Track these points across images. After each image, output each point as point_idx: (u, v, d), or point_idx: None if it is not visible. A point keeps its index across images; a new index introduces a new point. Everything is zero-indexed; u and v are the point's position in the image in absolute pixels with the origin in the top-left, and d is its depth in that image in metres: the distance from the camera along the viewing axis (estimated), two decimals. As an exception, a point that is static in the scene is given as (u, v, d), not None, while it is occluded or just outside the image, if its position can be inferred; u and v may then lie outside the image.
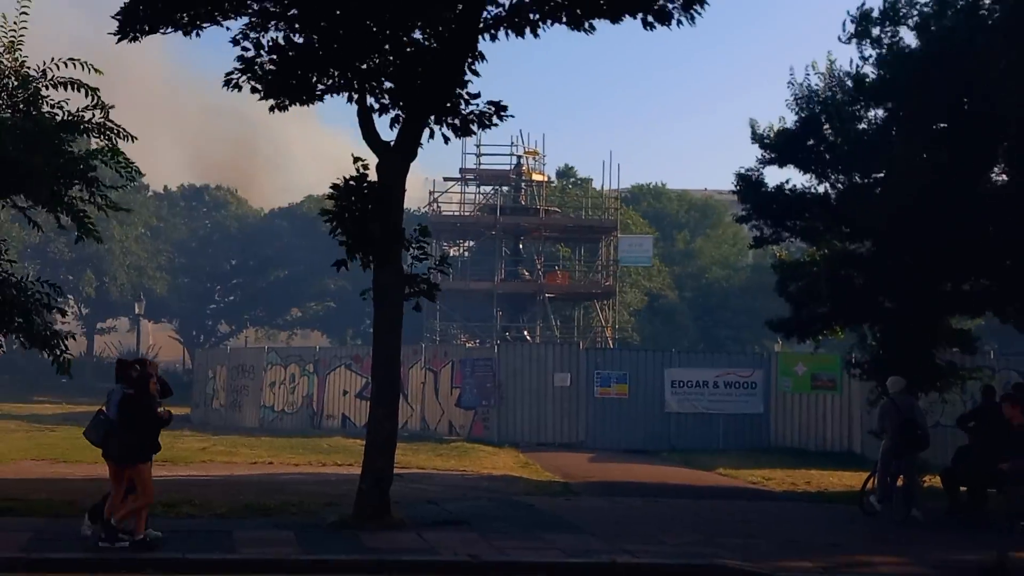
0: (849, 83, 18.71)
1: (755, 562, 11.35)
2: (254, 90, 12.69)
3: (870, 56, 18.43)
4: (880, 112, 18.56)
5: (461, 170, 44.95)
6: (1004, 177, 18.07)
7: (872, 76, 18.45)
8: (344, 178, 12.68)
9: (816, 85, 19.08)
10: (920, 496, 15.59)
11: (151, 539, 10.89)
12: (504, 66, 70.40)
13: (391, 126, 13.42)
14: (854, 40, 18.49)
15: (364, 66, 12.86)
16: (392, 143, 13.13)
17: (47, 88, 13.16)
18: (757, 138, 19.42)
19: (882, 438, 16.21)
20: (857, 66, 18.67)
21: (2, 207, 13.99)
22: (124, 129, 13.40)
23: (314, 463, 22.43)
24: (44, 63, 13.09)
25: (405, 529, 12.82)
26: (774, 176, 20.05)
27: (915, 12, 17.96)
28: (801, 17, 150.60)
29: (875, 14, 18.33)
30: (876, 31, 18.36)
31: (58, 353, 13.75)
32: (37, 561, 10.53)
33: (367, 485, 12.87)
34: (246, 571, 10.76)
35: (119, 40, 12.44)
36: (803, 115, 19.04)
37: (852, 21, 18.58)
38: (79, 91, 13.20)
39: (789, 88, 19.10)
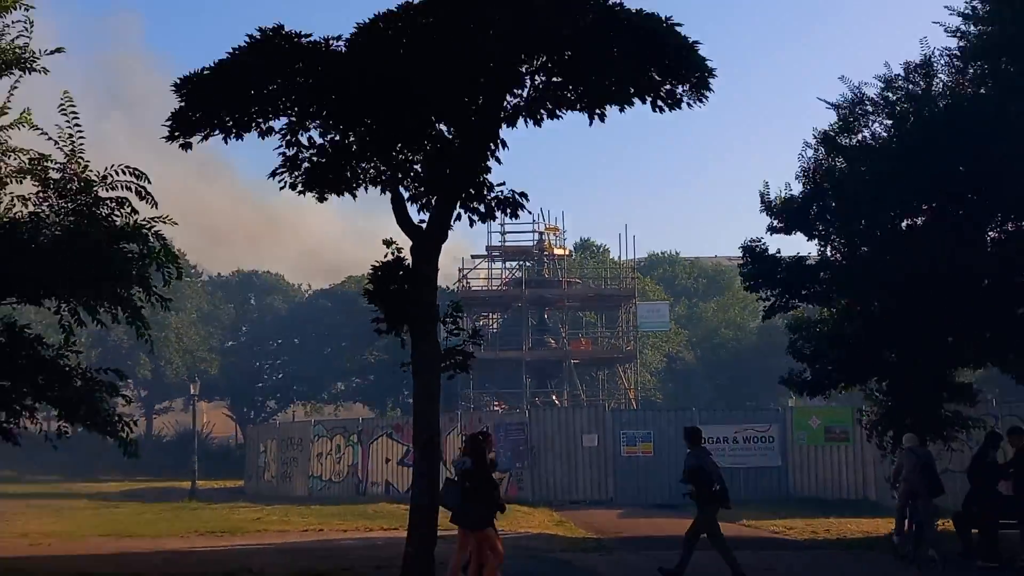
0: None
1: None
2: (293, 186, 12.28)
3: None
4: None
5: (488, 248, 45.11)
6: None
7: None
8: (381, 261, 12.14)
9: (821, 158, 18.40)
10: (935, 538, 14.52)
11: None
12: (525, 144, 71.07)
13: (420, 211, 12.76)
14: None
15: (396, 159, 12.39)
16: (424, 227, 12.59)
17: (106, 190, 12.80)
18: (766, 205, 18.73)
19: (897, 487, 15.38)
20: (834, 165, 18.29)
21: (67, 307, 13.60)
22: (169, 246, 13.00)
23: (361, 528, 21.69)
24: (104, 169, 12.66)
25: None
26: (781, 243, 19.71)
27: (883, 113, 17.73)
28: (811, 89, 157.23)
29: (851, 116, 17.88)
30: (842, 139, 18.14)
31: (124, 436, 13.19)
32: None
33: (414, 548, 11.99)
34: None
35: (169, 142, 12.02)
36: (810, 186, 18.35)
37: (837, 115, 18.14)
38: (136, 194, 12.77)
39: (799, 160, 18.42)
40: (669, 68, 11.45)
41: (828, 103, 18.15)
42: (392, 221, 12.64)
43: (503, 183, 12.40)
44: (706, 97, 11.66)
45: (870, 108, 17.59)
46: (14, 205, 12.97)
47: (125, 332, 46.75)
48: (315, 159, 12.10)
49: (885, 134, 17.60)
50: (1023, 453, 14.27)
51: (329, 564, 14.65)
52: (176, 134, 11.77)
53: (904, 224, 17.40)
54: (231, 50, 11.39)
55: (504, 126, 12.23)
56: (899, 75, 17.38)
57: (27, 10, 12.66)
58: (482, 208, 12.46)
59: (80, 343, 15.74)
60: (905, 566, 14.44)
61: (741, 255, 19.00)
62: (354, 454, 32.65)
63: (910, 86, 17.22)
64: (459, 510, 11.26)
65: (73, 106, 12.72)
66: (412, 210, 12.65)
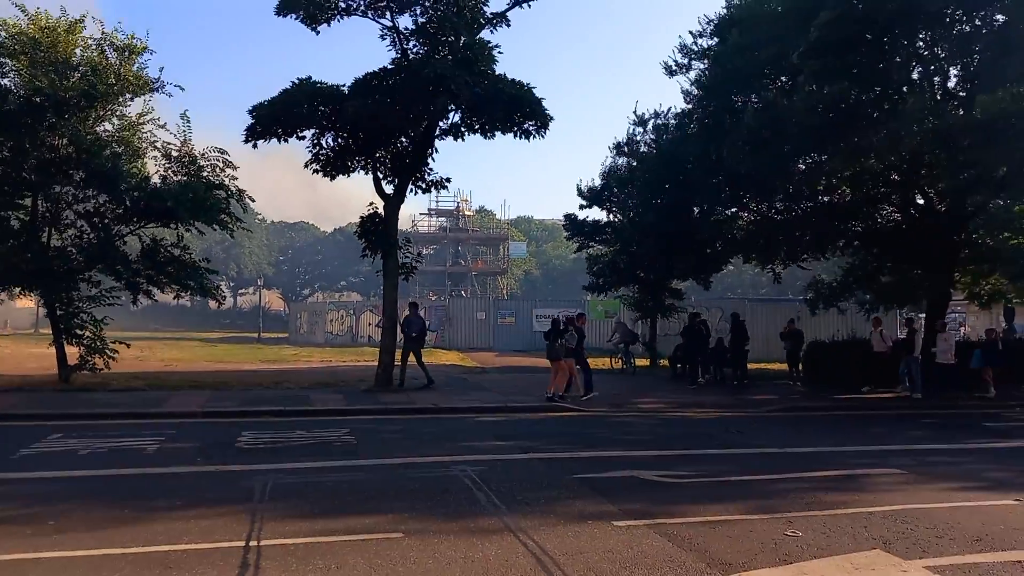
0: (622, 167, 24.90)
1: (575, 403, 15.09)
2: (315, 171, 17.12)
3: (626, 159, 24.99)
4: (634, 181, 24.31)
5: (429, 208, 68.57)
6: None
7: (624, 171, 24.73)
8: (365, 214, 17.35)
9: (613, 161, 25.03)
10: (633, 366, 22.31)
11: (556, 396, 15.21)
12: (459, 149, 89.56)
13: (387, 185, 17.62)
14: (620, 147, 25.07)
15: (374, 155, 17.20)
16: (390, 195, 17.51)
17: (204, 161, 17.72)
18: (579, 191, 25.29)
19: (610, 341, 23.10)
20: (618, 166, 25.19)
21: (189, 229, 18.20)
22: (243, 192, 18.08)
23: (353, 360, 28.20)
24: (203, 149, 17.74)
25: (400, 392, 16.67)
26: (588, 213, 28.26)
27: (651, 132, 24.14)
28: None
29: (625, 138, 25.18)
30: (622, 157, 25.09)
31: (216, 297, 18.60)
32: (208, 412, 13.60)
33: (380, 370, 17.15)
34: (319, 415, 13.63)
35: (245, 143, 16.65)
36: (603, 181, 24.91)
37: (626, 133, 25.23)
38: (221, 162, 17.82)
39: (601, 163, 27.06)
40: (525, 114, 16.62)
41: (635, 117, 24.77)
42: (372, 189, 17.75)
43: (435, 172, 17.91)
44: (545, 132, 16.85)
45: (638, 128, 24.17)
46: (150, 171, 17.85)
47: (221, 248, 71.68)
48: (329, 155, 17.06)
49: (644, 148, 24.17)
50: (691, 323, 20.70)
51: (333, 379, 19.39)
52: (249, 139, 16.49)
53: (653, 202, 23.72)
54: (281, 91, 16.32)
55: (437, 140, 17.52)
56: (648, 115, 24.10)
57: (152, 53, 17.48)
58: (423, 185, 17.63)
59: (193, 248, 19.91)
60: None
61: (564, 219, 26.34)
62: (351, 320, 43.79)
63: (657, 123, 23.86)
64: (552, 353, 15.78)
65: (188, 116, 17.73)
66: (384, 186, 17.70)
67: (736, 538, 6.27)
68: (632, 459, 9.88)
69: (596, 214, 29.67)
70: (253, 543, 5.94)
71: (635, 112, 25.73)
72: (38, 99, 15.96)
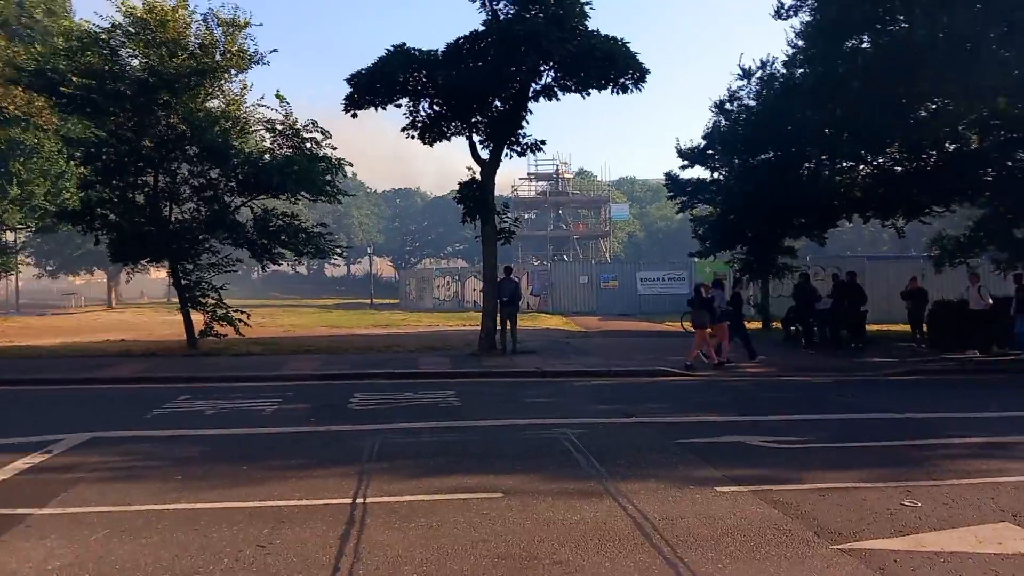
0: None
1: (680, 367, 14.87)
2: (413, 136, 17.34)
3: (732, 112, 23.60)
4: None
5: (529, 173, 69.12)
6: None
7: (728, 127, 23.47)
8: (464, 181, 17.54)
9: (716, 118, 23.88)
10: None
11: (694, 363, 14.89)
12: (554, 109, 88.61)
13: (483, 150, 17.78)
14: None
15: (470, 120, 17.34)
16: (486, 160, 17.70)
17: (306, 134, 18.44)
18: (679, 152, 24.55)
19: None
20: (721, 123, 23.92)
21: (295, 201, 19.10)
22: (343, 161, 18.70)
23: (459, 325, 29.29)
24: (305, 122, 18.42)
25: (504, 356, 16.90)
26: (687, 172, 27.37)
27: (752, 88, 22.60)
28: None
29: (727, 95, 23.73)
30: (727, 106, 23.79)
31: (335, 254, 19.54)
32: (322, 375, 14.12)
33: (483, 334, 17.51)
34: (425, 377, 14.00)
35: (344, 112, 16.94)
36: (706, 138, 24.00)
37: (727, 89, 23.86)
38: (321, 134, 18.55)
39: (703, 121, 25.67)
40: (620, 70, 16.30)
41: (740, 70, 23.33)
42: (468, 155, 18.01)
43: (530, 135, 17.81)
44: (643, 84, 16.44)
45: (743, 82, 22.87)
46: (257, 145, 18.75)
47: (333, 219, 73.80)
48: (425, 122, 17.37)
49: (750, 102, 23.03)
50: (802, 283, 19.76)
51: (441, 343, 20.14)
52: (349, 108, 16.90)
53: (761, 158, 22.62)
54: (377, 59, 16.58)
55: (531, 101, 17.36)
56: (755, 67, 22.64)
57: (253, 26, 17.99)
58: (519, 149, 17.68)
59: (305, 217, 20.85)
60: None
61: (665, 179, 25.63)
62: (457, 286, 45.35)
63: (763, 75, 22.32)
64: (697, 320, 15.22)
65: (283, 95, 18.36)
66: (480, 151, 17.84)
67: (847, 507, 6.02)
68: (739, 424, 9.66)
69: (699, 173, 28.80)
70: (360, 500, 6.20)
71: (739, 65, 24.26)
72: (152, 79, 16.79)
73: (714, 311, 15.42)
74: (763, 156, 22.25)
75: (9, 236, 25.59)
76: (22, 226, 16.42)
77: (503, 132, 17.44)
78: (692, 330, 16.26)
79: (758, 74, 22.70)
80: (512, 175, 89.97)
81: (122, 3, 17.01)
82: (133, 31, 17.19)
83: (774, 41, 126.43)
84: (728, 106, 23.36)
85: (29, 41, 20.53)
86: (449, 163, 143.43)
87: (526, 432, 9.04)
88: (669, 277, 38.87)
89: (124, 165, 18.29)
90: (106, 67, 17.14)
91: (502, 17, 16.47)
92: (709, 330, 15.46)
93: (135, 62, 17.68)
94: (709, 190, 24.45)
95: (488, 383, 13.57)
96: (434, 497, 6.25)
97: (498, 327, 17.60)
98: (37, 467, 7.39)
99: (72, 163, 16.02)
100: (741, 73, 23.05)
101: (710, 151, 24.02)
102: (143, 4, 17.11)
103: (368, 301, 56.96)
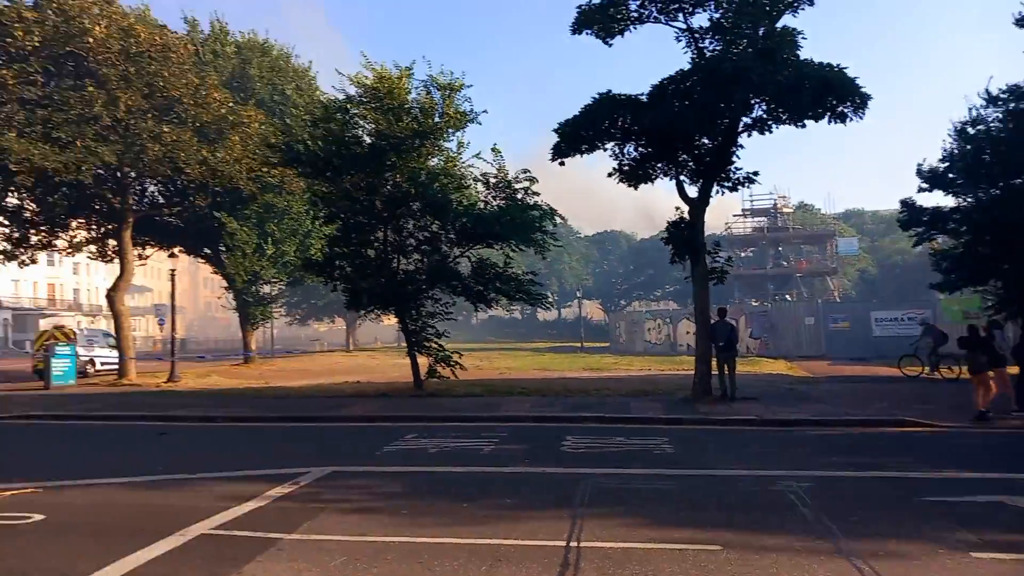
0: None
1: (926, 417, 13.50)
2: (619, 180, 17.51)
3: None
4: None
5: (743, 210, 67.41)
6: None
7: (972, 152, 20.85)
8: (672, 220, 17.26)
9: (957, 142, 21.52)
10: None
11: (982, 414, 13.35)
12: (778, 141, 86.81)
13: (689, 188, 17.46)
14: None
15: (676, 160, 17.10)
16: (694, 199, 17.27)
17: (516, 183, 19.19)
18: (919, 173, 22.11)
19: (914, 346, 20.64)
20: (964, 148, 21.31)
21: (512, 249, 19.83)
22: (554, 210, 19.16)
23: (671, 368, 28.66)
24: (516, 173, 19.18)
25: (721, 402, 16.09)
26: (923, 199, 24.31)
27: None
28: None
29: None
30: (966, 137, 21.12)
31: (544, 304, 20.10)
32: (536, 417, 14.15)
33: (696, 379, 16.83)
34: (637, 423, 13.81)
35: (552, 161, 17.35)
36: (946, 162, 21.54)
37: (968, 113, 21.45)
38: (528, 181, 19.20)
39: (941, 144, 21.98)
40: (838, 97, 15.33)
41: (986, 95, 21.03)
42: (675, 194, 17.74)
43: (741, 169, 17.24)
44: (864, 112, 15.29)
45: (989, 108, 20.50)
46: (472, 198, 19.83)
47: (544, 264, 73.96)
48: (631, 164, 17.41)
49: (998, 124, 20.45)
50: None
51: (651, 387, 19.85)
52: (555, 156, 17.35)
53: (1009, 183, 20.02)
54: (583, 107, 16.92)
55: (742, 135, 16.80)
56: (1002, 90, 20.17)
57: (467, 87, 19.18)
58: (729, 184, 17.12)
59: (516, 265, 21.66)
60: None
61: (900, 207, 22.97)
62: (668, 329, 44.79)
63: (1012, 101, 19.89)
64: (976, 365, 13.73)
65: (499, 148, 19.25)
66: (688, 189, 17.61)
67: None
68: (999, 481, 8.51)
69: (939, 199, 25.74)
70: (573, 544, 6.22)
71: (986, 89, 21.60)
72: (381, 142, 18.51)
73: (996, 353, 13.78)
74: (1018, 180, 19.47)
75: (265, 288, 29.08)
76: (276, 279, 18.69)
77: (711, 169, 17.10)
78: (912, 375, 14.44)
79: (1006, 99, 20.08)
80: (725, 212, 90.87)
81: (355, 75, 18.94)
82: (365, 99, 19.02)
83: (1009, 52, 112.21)
84: (970, 130, 20.91)
85: (280, 116, 23.55)
86: (647, 195, 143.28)
87: (746, 483, 8.61)
88: (909, 317, 35.36)
89: (359, 223, 20.14)
90: (344, 134, 19.11)
91: (708, 54, 16.28)
92: (991, 374, 13.67)
93: (366, 128, 19.50)
94: (951, 219, 21.81)
95: (704, 430, 13.17)
96: (648, 545, 6.12)
97: (714, 371, 16.88)
98: (288, 496, 8.20)
99: (317, 222, 18.02)
100: (987, 98, 20.59)
101: (951, 175, 21.54)
102: (372, 75, 18.87)
103: (579, 344, 57.64)
